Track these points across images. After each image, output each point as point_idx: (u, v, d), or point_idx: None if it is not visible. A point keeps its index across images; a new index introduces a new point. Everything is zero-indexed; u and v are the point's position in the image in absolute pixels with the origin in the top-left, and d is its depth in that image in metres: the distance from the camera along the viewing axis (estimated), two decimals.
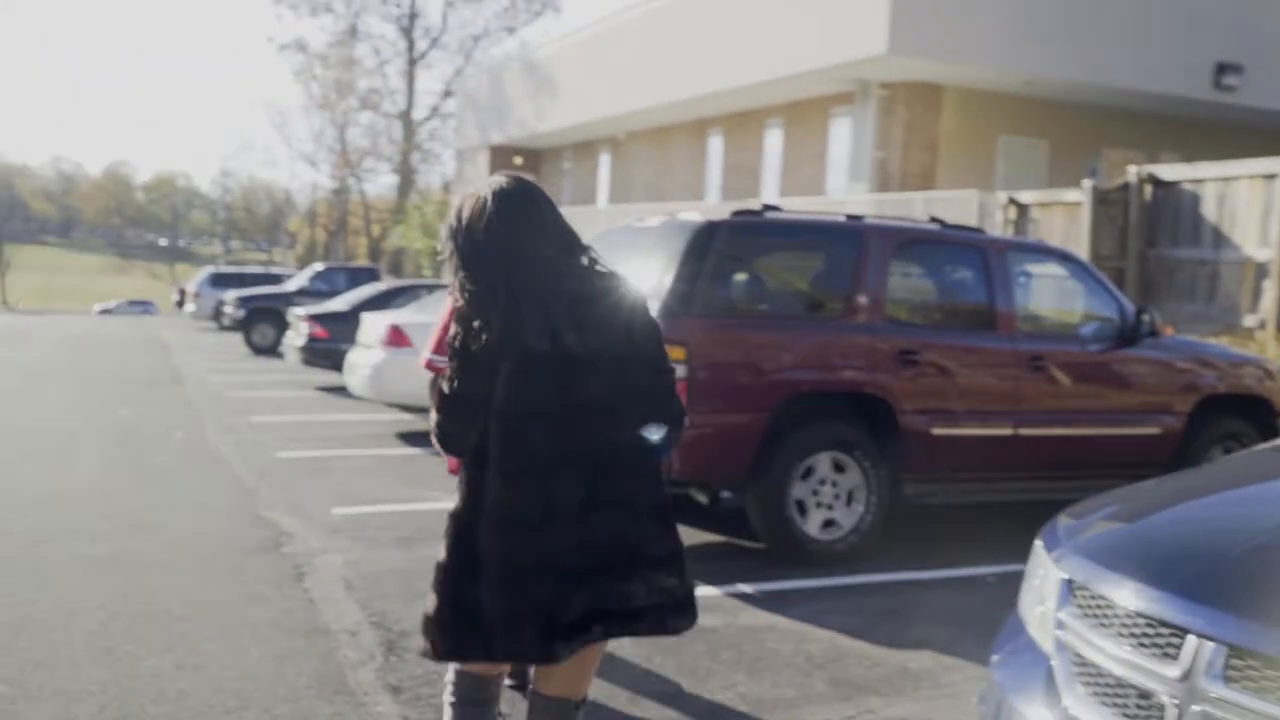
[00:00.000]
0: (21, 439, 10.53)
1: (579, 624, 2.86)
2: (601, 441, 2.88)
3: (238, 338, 24.33)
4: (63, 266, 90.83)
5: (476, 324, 2.85)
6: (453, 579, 2.94)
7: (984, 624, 4.71)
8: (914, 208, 15.48)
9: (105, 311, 56.84)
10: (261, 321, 23.34)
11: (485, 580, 2.88)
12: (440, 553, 2.98)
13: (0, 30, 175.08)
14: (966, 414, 7.03)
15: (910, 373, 6.87)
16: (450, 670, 3.11)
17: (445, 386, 2.94)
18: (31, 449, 10.01)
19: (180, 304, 37.37)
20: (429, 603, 2.98)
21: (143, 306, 61.21)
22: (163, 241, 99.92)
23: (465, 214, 2.89)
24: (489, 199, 2.88)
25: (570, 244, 2.95)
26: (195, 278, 37.19)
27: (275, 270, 39.89)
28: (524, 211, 2.89)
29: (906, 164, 17.98)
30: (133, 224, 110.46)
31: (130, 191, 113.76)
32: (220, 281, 33.59)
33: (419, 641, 3.06)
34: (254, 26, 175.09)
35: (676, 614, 2.97)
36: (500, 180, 2.94)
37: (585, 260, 2.94)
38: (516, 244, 2.85)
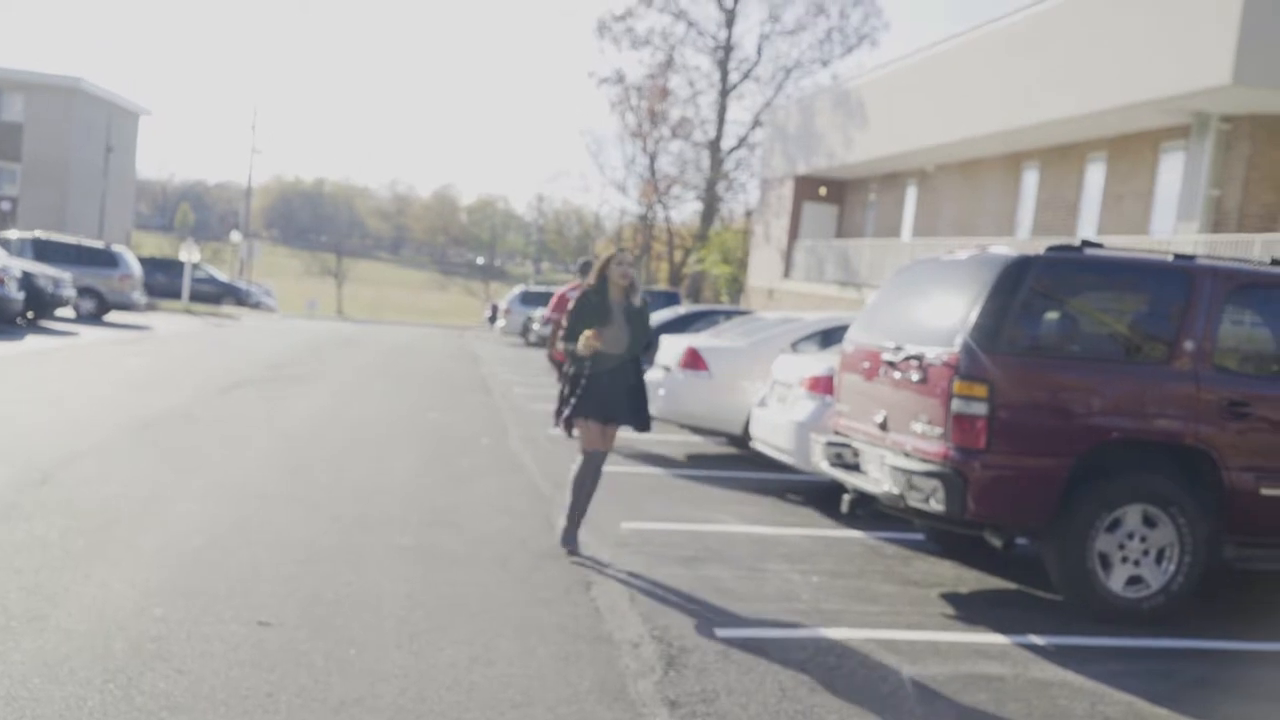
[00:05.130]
0: (349, 434, 11.42)
1: (620, 418, 7.12)
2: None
3: (543, 353, 25.42)
4: (392, 280, 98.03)
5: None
6: (578, 393, 7.04)
7: None
8: (1252, 250, 14.32)
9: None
10: None
11: (590, 395, 7.05)
12: (568, 386, 7.13)
13: (350, 63, 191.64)
14: None
15: (1239, 426, 6.37)
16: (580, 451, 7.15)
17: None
18: (356, 444, 10.84)
19: (492, 319, 39.56)
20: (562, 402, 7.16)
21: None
22: (480, 260, 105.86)
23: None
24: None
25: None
26: (507, 295, 39.28)
27: None
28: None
29: (1247, 203, 16.62)
30: (455, 243, 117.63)
31: (455, 213, 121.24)
32: (530, 300, 35.43)
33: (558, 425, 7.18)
34: (574, 60, 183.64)
35: (644, 425, 7.34)
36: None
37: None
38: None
